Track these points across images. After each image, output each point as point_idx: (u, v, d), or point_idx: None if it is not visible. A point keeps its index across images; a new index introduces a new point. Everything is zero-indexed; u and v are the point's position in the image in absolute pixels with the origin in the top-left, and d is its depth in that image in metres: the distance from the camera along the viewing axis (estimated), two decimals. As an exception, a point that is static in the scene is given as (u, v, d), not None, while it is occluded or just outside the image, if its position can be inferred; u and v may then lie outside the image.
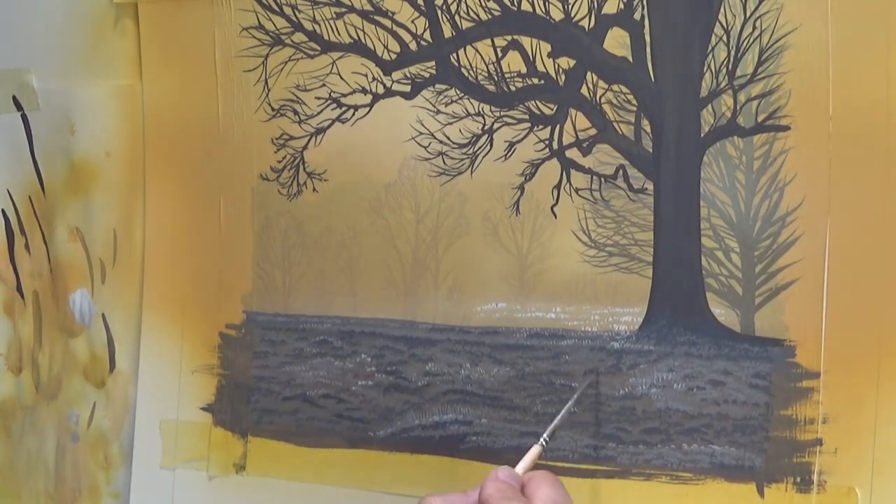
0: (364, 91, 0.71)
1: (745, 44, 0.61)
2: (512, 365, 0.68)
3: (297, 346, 0.74)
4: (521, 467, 0.60)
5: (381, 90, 0.71)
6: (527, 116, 0.67)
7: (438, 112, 0.69)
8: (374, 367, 0.72)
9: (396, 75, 0.70)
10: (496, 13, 0.67)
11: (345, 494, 0.73)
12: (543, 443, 0.62)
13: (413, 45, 0.70)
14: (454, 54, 0.68)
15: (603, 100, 0.65)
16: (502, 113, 0.68)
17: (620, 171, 0.65)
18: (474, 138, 0.68)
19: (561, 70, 0.66)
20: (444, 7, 0.68)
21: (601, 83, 0.65)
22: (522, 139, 0.67)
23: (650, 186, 0.64)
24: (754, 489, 0.62)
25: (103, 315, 0.81)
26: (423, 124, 0.70)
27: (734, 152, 0.62)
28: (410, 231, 0.71)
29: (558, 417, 0.63)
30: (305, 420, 0.74)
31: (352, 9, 0.71)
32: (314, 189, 0.73)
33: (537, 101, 0.67)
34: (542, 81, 0.67)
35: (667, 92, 0.64)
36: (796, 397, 0.61)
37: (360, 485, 0.73)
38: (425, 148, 0.70)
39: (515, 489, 0.58)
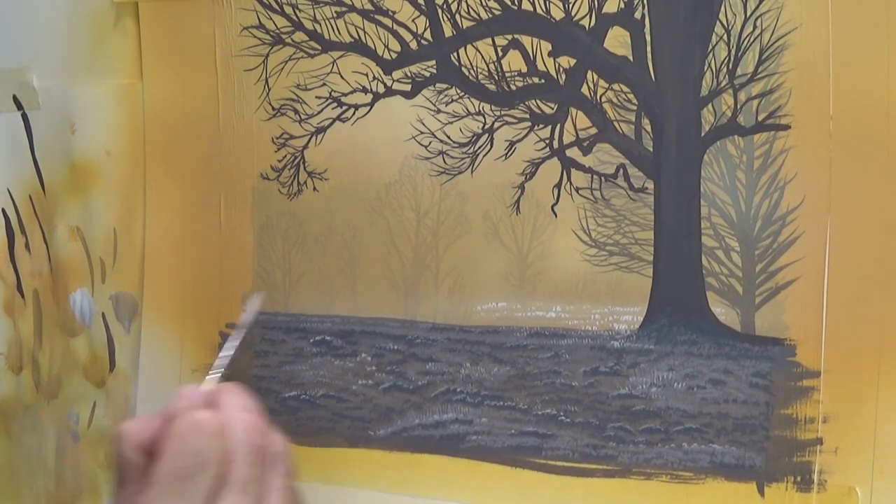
0: (364, 90, 0.71)
1: (745, 43, 0.61)
2: (512, 364, 0.68)
3: (298, 345, 0.74)
4: (204, 386, 0.61)
5: (381, 89, 0.71)
6: (527, 115, 0.67)
7: (439, 111, 0.69)
8: (375, 366, 0.72)
9: (397, 74, 0.70)
10: (497, 12, 0.67)
11: (345, 494, 0.73)
12: (218, 373, 0.62)
13: (413, 45, 0.70)
14: (455, 53, 0.68)
15: (603, 99, 0.65)
16: (503, 112, 0.68)
17: (621, 170, 0.65)
18: (475, 137, 0.69)
19: (561, 69, 0.66)
20: (445, 6, 0.68)
21: (602, 82, 0.65)
22: (523, 138, 0.67)
23: (651, 185, 0.65)
24: (755, 488, 0.62)
25: (103, 314, 0.81)
26: (423, 123, 0.70)
27: (735, 151, 0.62)
28: (411, 230, 0.71)
29: (226, 347, 0.64)
30: (305, 419, 0.74)
31: (352, 8, 0.71)
32: (315, 188, 0.73)
33: (538, 101, 0.67)
34: (543, 80, 0.67)
35: (667, 91, 0.64)
36: (797, 396, 0.61)
37: (360, 484, 0.73)
38: (426, 147, 0.70)
39: (202, 402, 0.58)
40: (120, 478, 0.59)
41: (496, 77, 0.68)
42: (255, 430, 0.58)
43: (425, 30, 0.69)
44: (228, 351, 0.64)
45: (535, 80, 0.67)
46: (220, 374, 0.62)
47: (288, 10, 0.72)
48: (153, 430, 0.58)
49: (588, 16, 0.65)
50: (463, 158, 0.69)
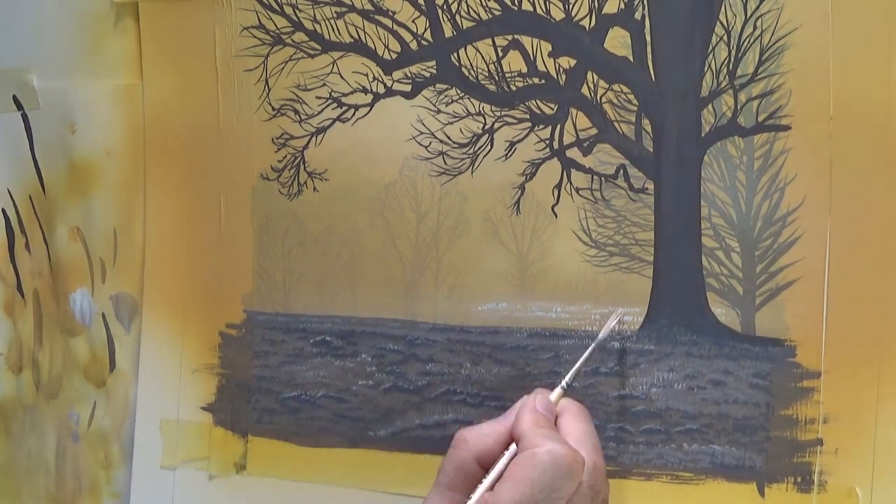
0: (365, 90, 0.71)
1: (745, 43, 0.61)
2: (512, 365, 0.68)
3: (298, 345, 0.74)
4: (553, 397, 0.61)
5: (381, 90, 0.71)
6: (527, 116, 0.67)
7: (439, 112, 0.69)
8: (375, 366, 0.72)
9: (397, 75, 0.70)
10: (497, 13, 0.67)
11: (345, 494, 0.73)
12: (565, 386, 0.62)
13: (414, 45, 0.70)
14: (455, 54, 0.68)
15: (604, 99, 0.65)
16: (503, 112, 0.68)
17: (621, 171, 0.65)
18: (475, 138, 0.69)
19: (562, 69, 0.66)
20: (445, 6, 0.68)
21: (602, 83, 0.65)
22: (523, 139, 0.67)
23: (651, 186, 0.65)
24: (755, 489, 0.62)
25: (103, 314, 0.81)
26: (423, 124, 0.70)
27: (735, 152, 0.62)
28: (411, 231, 0.71)
29: (582, 359, 0.63)
30: (305, 420, 0.74)
31: (352, 8, 0.71)
32: (315, 188, 0.73)
33: (538, 101, 0.67)
34: (543, 81, 0.67)
35: (667, 91, 0.64)
36: (797, 397, 0.61)
37: (360, 485, 0.73)
38: (426, 147, 0.70)
39: (551, 421, 0.59)
40: (447, 482, 0.59)
41: (496, 77, 0.68)
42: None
43: (425, 30, 0.69)
44: (578, 364, 0.64)
45: (536, 80, 0.67)
46: (564, 387, 0.63)
47: (288, 10, 0.72)
48: (492, 440, 0.59)
49: (588, 16, 0.65)
50: (463, 159, 0.69)
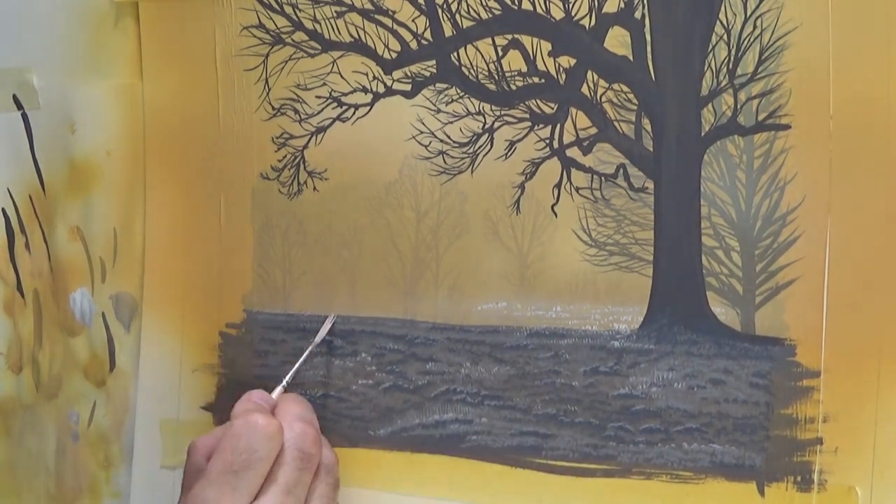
0: (365, 90, 0.71)
1: (745, 43, 0.62)
2: (512, 364, 0.68)
3: (298, 345, 0.74)
4: (275, 395, 0.69)
5: (381, 89, 0.71)
6: (527, 115, 0.67)
7: (439, 111, 0.69)
8: (375, 365, 0.72)
9: (397, 74, 0.70)
10: (497, 12, 0.67)
11: (345, 494, 0.73)
12: (285, 385, 0.70)
13: (414, 44, 0.70)
14: (455, 53, 0.68)
15: (603, 99, 0.65)
16: (503, 112, 0.68)
17: (621, 170, 0.65)
18: (475, 137, 0.69)
19: (561, 69, 0.66)
20: (445, 6, 0.68)
21: (602, 82, 0.65)
22: (523, 138, 0.67)
23: (651, 185, 0.65)
24: (755, 488, 0.62)
25: (103, 314, 0.81)
26: (423, 123, 0.70)
27: (735, 151, 0.62)
28: (411, 230, 0.71)
29: (300, 361, 0.71)
30: (305, 419, 0.74)
31: (352, 8, 0.71)
32: (315, 188, 0.73)
33: (538, 100, 0.67)
34: (543, 80, 0.67)
35: (667, 91, 0.64)
36: (797, 396, 0.61)
37: (361, 484, 0.73)
38: (426, 147, 0.70)
39: (263, 406, 0.67)
40: (187, 483, 0.65)
41: (496, 77, 0.68)
42: (307, 439, 0.65)
43: (425, 30, 0.69)
44: (297, 363, 0.71)
45: (535, 79, 0.67)
46: (285, 385, 0.70)
47: (288, 9, 0.73)
48: (218, 438, 0.65)
49: (588, 16, 0.65)
50: (463, 158, 0.69)
